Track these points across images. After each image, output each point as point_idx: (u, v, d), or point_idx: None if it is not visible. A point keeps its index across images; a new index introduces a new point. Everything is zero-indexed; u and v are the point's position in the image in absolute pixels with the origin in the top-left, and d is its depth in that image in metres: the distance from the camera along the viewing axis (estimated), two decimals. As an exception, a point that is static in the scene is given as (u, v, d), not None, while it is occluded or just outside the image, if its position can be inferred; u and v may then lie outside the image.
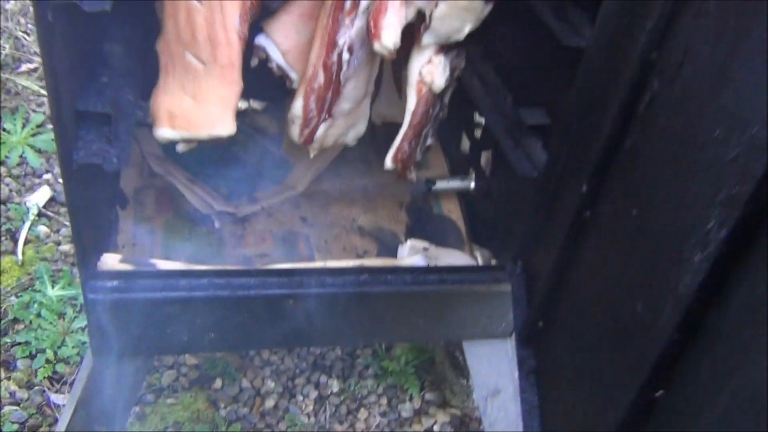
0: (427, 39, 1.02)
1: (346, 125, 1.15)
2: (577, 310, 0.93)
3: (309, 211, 1.47)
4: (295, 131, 1.11)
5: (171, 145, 1.42)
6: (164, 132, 1.07)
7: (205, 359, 1.61)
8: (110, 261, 1.09)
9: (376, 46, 0.96)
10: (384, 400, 1.57)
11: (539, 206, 1.08)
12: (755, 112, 0.61)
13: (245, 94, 1.65)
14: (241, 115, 1.66)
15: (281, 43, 1.09)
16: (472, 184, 1.41)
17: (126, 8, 1.08)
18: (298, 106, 1.08)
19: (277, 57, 1.09)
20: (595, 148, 0.87)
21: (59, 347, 1.55)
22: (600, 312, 0.85)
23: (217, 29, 0.98)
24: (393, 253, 1.35)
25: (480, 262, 1.34)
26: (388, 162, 1.13)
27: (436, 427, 1.52)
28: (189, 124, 1.04)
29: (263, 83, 1.61)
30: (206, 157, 1.51)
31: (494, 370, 1.32)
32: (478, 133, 1.42)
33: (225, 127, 1.05)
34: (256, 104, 1.64)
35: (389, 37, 0.95)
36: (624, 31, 0.83)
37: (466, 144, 1.53)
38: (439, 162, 1.54)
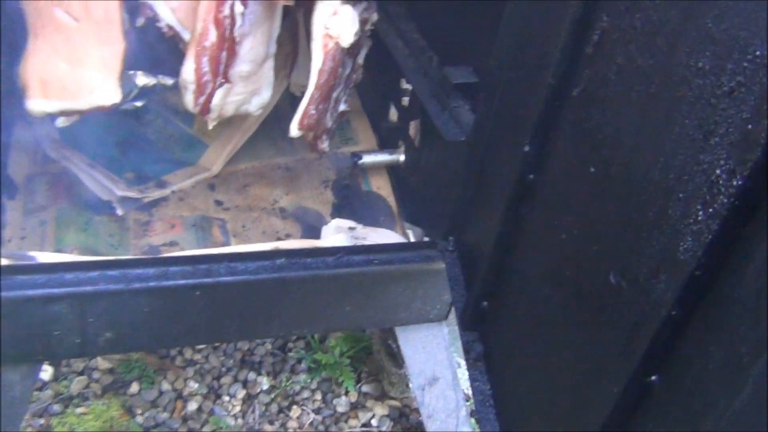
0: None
1: (248, 91, 1.02)
2: (529, 286, 0.81)
3: (225, 194, 1.33)
4: (189, 99, 0.98)
5: (67, 127, 1.28)
6: (37, 104, 0.92)
7: (119, 362, 1.46)
8: (-19, 255, 0.95)
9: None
10: (318, 396, 1.46)
11: (470, 173, 0.97)
12: (754, 32, 0.48)
13: (152, 69, 1.51)
14: (148, 92, 1.51)
15: (170, -3, 0.95)
16: (402, 157, 1.30)
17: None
18: (188, 69, 0.95)
19: (165, 14, 0.96)
20: (535, 102, 0.76)
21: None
22: (559, 286, 0.74)
23: (89, -21, 0.85)
24: (318, 236, 1.23)
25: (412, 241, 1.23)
26: (293, 128, 1.00)
27: (374, 421, 1.42)
28: (64, 92, 0.90)
29: (172, 55, 1.47)
30: (109, 138, 1.36)
31: (430, 356, 1.22)
32: (406, 101, 1.31)
33: (107, 94, 0.91)
34: (165, 79, 1.48)
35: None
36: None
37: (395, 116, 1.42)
38: (367, 136, 1.43)
